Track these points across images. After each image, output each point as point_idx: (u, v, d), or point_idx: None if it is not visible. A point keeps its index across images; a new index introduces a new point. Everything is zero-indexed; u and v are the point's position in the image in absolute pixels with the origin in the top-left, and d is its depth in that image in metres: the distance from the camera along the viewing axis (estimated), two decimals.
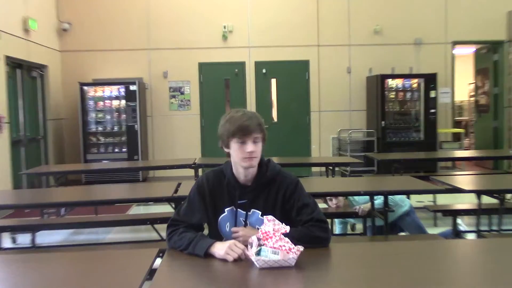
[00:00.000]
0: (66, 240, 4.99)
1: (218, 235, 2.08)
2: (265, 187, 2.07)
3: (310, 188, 2.11)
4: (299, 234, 1.93)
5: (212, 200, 2.08)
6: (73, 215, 5.64)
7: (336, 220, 4.37)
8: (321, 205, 2.33)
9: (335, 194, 3.89)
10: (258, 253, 1.75)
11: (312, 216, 1.99)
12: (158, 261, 1.89)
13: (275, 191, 2.06)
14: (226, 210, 2.08)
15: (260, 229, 1.81)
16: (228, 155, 2.07)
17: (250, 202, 2.06)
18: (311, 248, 1.89)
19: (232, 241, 1.88)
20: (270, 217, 1.83)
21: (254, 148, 1.99)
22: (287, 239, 1.77)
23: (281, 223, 1.81)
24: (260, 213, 2.05)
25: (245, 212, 2.06)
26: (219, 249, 1.84)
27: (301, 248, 1.76)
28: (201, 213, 2.07)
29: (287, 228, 1.80)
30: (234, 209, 2.07)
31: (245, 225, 2.06)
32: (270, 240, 1.76)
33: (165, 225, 2.10)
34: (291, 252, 1.74)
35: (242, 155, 1.99)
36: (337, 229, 4.37)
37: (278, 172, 2.09)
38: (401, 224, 4.01)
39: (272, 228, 1.78)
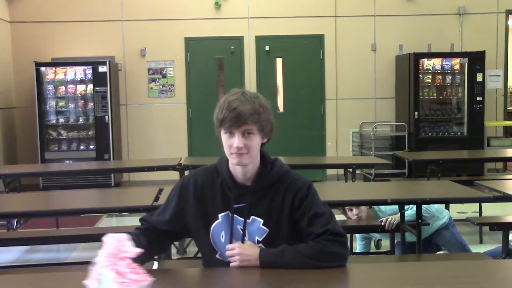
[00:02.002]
0: (19, 260, 5.00)
1: (211, 248, 2.10)
2: (268, 189, 2.09)
3: (324, 195, 2.12)
4: (311, 250, 1.96)
5: (201, 205, 2.11)
6: (28, 229, 5.66)
7: (357, 236, 4.38)
8: (338, 217, 2.35)
9: (356, 204, 3.90)
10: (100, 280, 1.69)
11: (326, 228, 2.01)
12: None
13: (282, 196, 2.08)
14: (220, 216, 2.10)
15: (101, 253, 1.73)
16: None
17: (249, 206, 2.08)
18: (324, 267, 1.92)
19: None
20: (110, 235, 1.75)
21: (242, 142, 2.01)
22: (134, 265, 1.71)
23: (127, 244, 1.73)
24: (262, 221, 2.07)
25: (243, 219, 2.08)
26: None
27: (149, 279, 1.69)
28: (170, 218, 2.12)
29: (134, 250, 1.73)
30: (230, 215, 2.09)
31: (243, 235, 2.08)
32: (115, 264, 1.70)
33: None
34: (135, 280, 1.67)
35: (229, 149, 2.03)
36: (358, 246, 4.39)
37: (285, 172, 2.12)
38: (438, 240, 4.03)
39: (117, 249, 1.71)
